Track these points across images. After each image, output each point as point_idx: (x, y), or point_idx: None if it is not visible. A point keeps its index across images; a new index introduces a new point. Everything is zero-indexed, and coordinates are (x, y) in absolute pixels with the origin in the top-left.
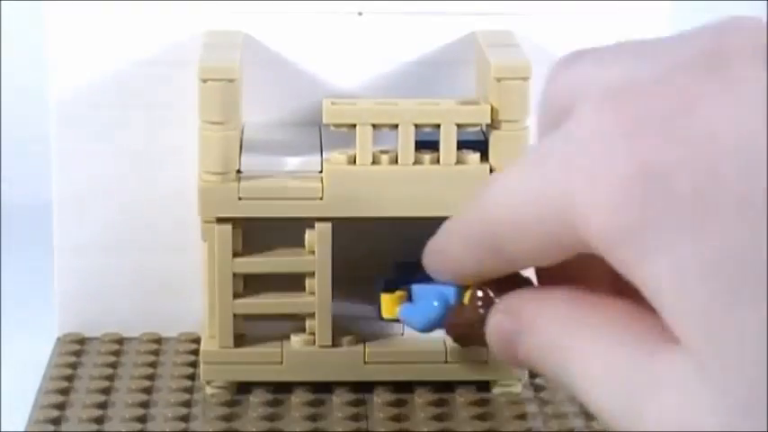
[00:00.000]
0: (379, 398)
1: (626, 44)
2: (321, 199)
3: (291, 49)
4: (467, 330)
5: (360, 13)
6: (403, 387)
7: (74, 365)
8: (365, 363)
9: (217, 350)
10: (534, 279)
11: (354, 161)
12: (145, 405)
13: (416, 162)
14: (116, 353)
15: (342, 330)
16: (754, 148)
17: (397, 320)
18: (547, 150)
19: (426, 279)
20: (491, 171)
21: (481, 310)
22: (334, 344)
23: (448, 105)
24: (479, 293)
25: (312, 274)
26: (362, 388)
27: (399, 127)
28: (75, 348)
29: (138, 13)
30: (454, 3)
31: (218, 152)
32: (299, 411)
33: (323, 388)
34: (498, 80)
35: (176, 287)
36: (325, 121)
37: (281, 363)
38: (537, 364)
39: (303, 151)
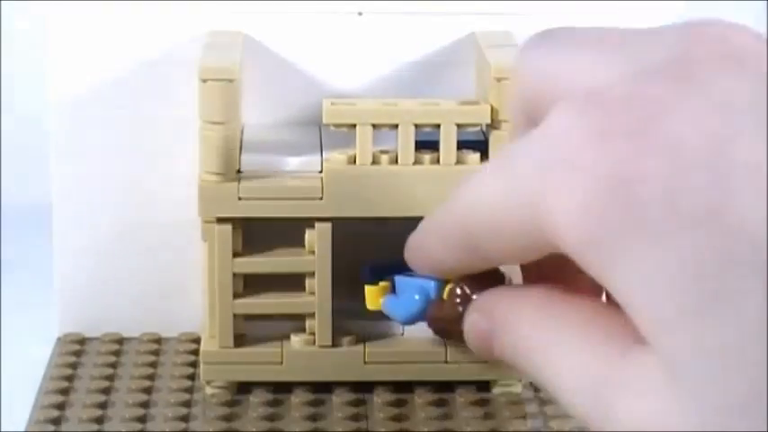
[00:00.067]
0: (379, 398)
1: (598, 34)
2: (321, 199)
3: (291, 49)
4: (446, 325)
5: (360, 13)
6: (403, 387)
7: (74, 365)
8: (365, 363)
9: (217, 350)
10: (519, 271)
11: (354, 161)
12: (145, 405)
13: (416, 162)
14: (116, 353)
15: (342, 330)
16: (721, 159)
17: (380, 311)
18: (520, 153)
19: (410, 269)
20: None
21: (459, 308)
22: (334, 344)
23: (448, 105)
24: (457, 291)
25: (312, 274)
26: (362, 388)
27: (399, 127)
28: (75, 348)
29: (138, 13)
30: (454, 3)
31: (218, 152)
32: (299, 411)
33: (323, 388)
34: (498, 80)
35: (176, 287)
36: (325, 121)
37: (281, 363)
38: (512, 361)
39: (303, 151)
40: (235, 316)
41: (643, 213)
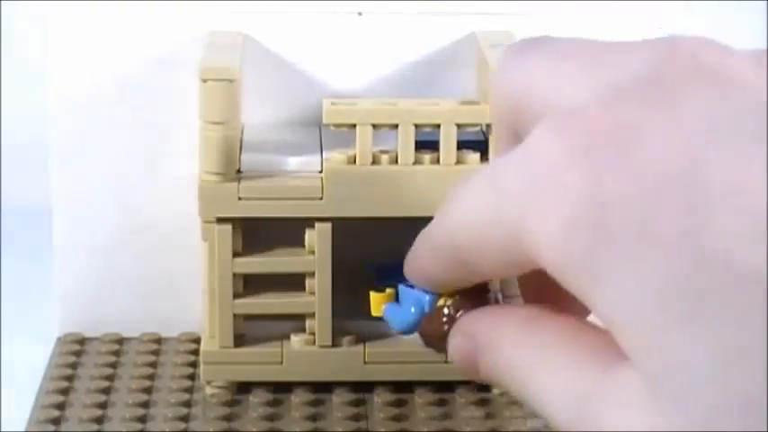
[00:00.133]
0: (379, 398)
1: (576, 47)
2: (321, 199)
3: (291, 49)
4: (434, 342)
5: (360, 13)
6: (403, 387)
7: (74, 365)
8: (365, 363)
9: (217, 350)
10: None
11: (354, 161)
12: (145, 405)
13: (416, 162)
14: (116, 353)
15: (342, 330)
16: (695, 182)
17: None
18: (505, 171)
19: None
20: None
21: (445, 327)
22: (334, 344)
23: (448, 105)
24: (444, 310)
25: (312, 274)
26: (362, 388)
27: (399, 127)
28: (75, 348)
29: (138, 13)
30: (454, 3)
31: (218, 152)
32: (299, 411)
33: (323, 388)
34: None
35: (176, 287)
36: (325, 121)
37: (281, 363)
38: (496, 380)
39: (303, 151)
40: (235, 316)
41: (621, 236)
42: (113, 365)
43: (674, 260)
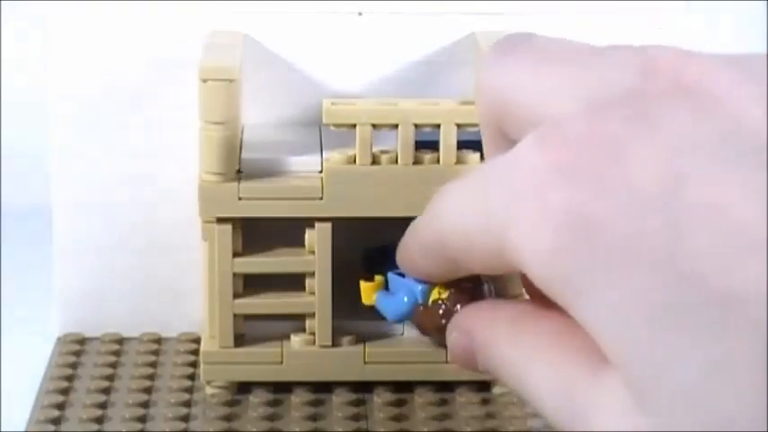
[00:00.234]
0: (379, 398)
1: (560, 50)
2: (321, 199)
3: (291, 49)
4: (431, 332)
5: (360, 13)
6: (403, 387)
7: (74, 365)
8: (365, 363)
9: (217, 350)
10: None
11: (354, 161)
12: (145, 405)
13: (416, 162)
14: (116, 353)
15: (342, 330)
16: (674, 201)
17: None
18: (493, 179)
19: None
20: None
21: (442, 321)
22: (334, 344)
23: (448, 105)
24: (440, 303)
25: (312, 274)
26: (362, 388)
27: (399, 127)
28: (75, 348)
29: (138, 13)
30: (454, 3)
31: (219, 152)
32: (299, 411)
33: (323, 388)
34: None
35: (176, 287)
36: (325, 121)
37: (281, 363)
38: (496, 375)
39: (303, 151)
40: (235, 316)
41: (604, 255)
42: (113, 365)
43: (655, 279)
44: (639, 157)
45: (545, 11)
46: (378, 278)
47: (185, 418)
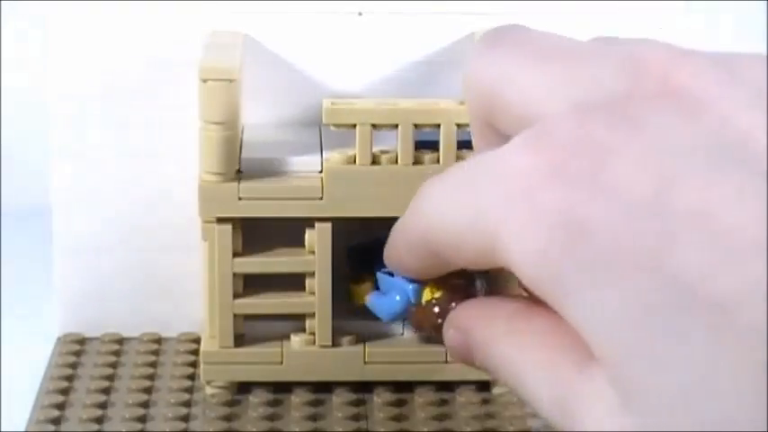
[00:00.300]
0: (379, 398)
1: (549, 45)
2: (321, 199)
3: (291, 49)
4: (428, 330)
5: (360, 13)
6: (403, 387)
7: (74, 365)
8: (365, 363)
9: (217, 350)
10: None
11: (354, 161)
12: (145, 405)
13: (416, 162)
14: (116, 353)
15: (342, 330)
16: (662, 205)
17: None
18: (481, 178)
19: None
20: None
21: (438, 320)
22: (334, 344)
23: (448, 105)
24: (434, 302)
25: (312, 274)
26: (362, 388)
27: (399, 127)
28: (75, 348)
29: (138, 13)
30: (454, 3)
31: (218, 152)
32: (299, 411)
33: (323, 388)
34: None
35: (176, 287)
36: (325, 121)
37: (281, 363)
38: (494, 373)
39: (303, 151)
40: (235, 316)
41: (592, 255)
42: (113, 365)
43: (643, 281)
44: (626, 160)
45: (545, 11)
46: (366, 281)
47: (185, 418)
